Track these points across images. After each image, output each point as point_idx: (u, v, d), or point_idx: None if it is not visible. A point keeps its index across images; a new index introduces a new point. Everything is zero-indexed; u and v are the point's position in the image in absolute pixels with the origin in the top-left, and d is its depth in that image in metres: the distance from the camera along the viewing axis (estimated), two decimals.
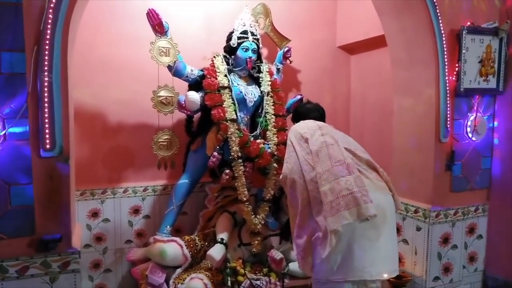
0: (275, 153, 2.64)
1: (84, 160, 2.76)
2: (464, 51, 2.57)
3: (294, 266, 2.49)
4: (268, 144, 2.67)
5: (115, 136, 2.88)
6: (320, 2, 3.45)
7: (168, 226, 2.68)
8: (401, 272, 2.46)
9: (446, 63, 2.53)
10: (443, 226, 2.64)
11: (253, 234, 2.64)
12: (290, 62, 3.13)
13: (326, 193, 1.87)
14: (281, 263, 2.47)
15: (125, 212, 2.91)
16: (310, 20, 3.42)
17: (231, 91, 2.62)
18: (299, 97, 2.99)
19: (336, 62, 3.57)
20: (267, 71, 2.83)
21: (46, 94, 1.80)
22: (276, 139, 2.68)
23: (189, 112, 2.67)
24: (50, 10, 1.78)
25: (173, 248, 2.47)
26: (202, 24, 3.04)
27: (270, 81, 2.80)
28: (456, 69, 2.59)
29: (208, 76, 2.60)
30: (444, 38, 2.51)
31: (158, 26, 2.40)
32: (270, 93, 2.77)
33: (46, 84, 1.80)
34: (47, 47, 1.78)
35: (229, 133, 2.53)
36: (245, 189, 2.59)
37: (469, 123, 2.68)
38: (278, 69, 3.02)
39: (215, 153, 2.57)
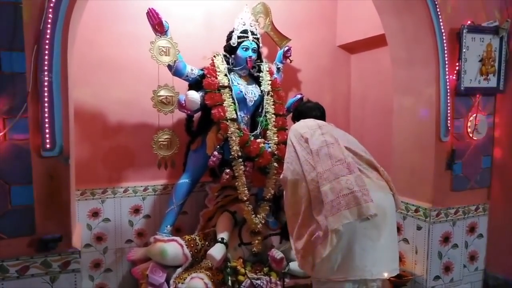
0: (276, 152, 2.64)
1: (85, 159, 2.76)
2: (464, 50, 2.57)
3: (294, 266, 2.49)
4: (269, 144, 2.67)
5: (115, 136, 2.88)
6: (320, 1, 3.45)
7: (169, 226, 2.68)
8: (401, 271, 2.47)
9: (446, 62, 2.53)
10: (443, 225, 2.64)
11: (254, 233, 2.64)
12: (290, 61, 3.13)
13: (326, 193, 1.87)
14: (282, 263, 2.47)
15: (125, 212, 2.91)
16: (310, 19, 3.42)
17: (231, 90, 2.62)
18: (299, 96, 3.00)
19: (336, 61, 3.57)
20: (267, 71, 2.82)
21: (46, 94, 1.79)
22: (276, 138, 2.68)
23: (189, 112, 2.67)
24: (50, 10, 1.78)
25: (173, 247, 2.47)
26: (202, 24, 3.04)
27: (270, 80, 2.80)
28: (457, 68, 2.59)
29: (208, 75, 2.60)
30: (444, 37, 2.51)
31: (158, 26, 2.40)
32: (270, 92, 2.77)
33: (46, 83, 1.79)
34: (47, 46, 1.78)
35: (229, 132, 2.53)
36: (246, 188, 2.59)
37: (469, 122, 2.67)
38: (278, 69, 3.01)
39: (215, 153, 2.57)
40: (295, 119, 2.48)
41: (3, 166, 1.78)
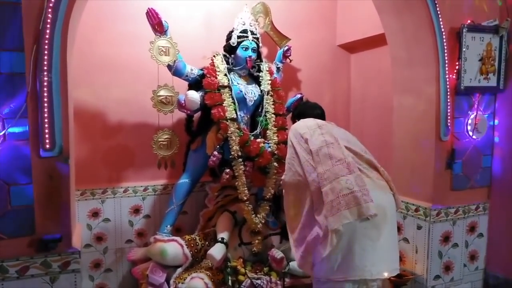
0: (275, 152, 2.64)
1: (84, 159, 2.76)
2: (464, 49, 2.57)
3: (294, 265, 2.48)
4: (268, 143, 2.67)
5: (115, 136, 2.88)
6: (320, 0, 3.45)
7: (169, 226, 2.68)
8: (401, 270, 2.46)
9: (446, 61, 2.53)
10: (443, 225, 2.64)
11: (254, 233, 2.64)
12: (290, 61, 3.12)
13: (327, 193, 1.87)
14: (282, 262, 2.47)
15: (125, 212, 2.91)
16: (310, 19, 3.42)
17: (231, 90, 2.62)
18: (299, 96, 2.99)
19: (336, 61, 3.57)
20: (267, 70, 2.82)
21: (45, 94, 1.79)
22: (276, 138, 2.68)
23: (189, 112, 2.67)
24: (49, 10, 1.78)
25: (173, 247, 2.47)
26: (201, 23, 3.04)
27: (270, 80, 2.80)
28: (457, 67, 2.58)
29: (208, 75, 2.60)
30: (444, 36, 2.51)
31: (158, 25, 2.40)
32: (270, 92, 2.77)
33: (45, 83, 1.79)
34: (46, 46, 1.78)
35: (229, 132, 2.53)
36: (246, 188, 2.59)
37: (469, 121, 2.67)
38: (278, 68, 3.01)
39: (215, 153, 2.57)
40: (295, 118, 2.47)
41: (3, 166, 1.77)
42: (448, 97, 2.56)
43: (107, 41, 2.81)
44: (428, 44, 2.52)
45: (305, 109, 2.46)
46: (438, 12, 2.47)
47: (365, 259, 1.88)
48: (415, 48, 2.61)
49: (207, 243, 2.62)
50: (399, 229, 2.73)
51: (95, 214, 2.82)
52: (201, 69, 2.65)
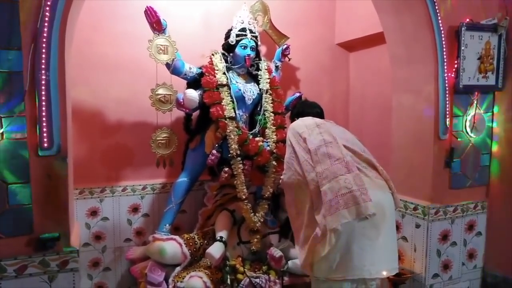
0: (274, 151, 2.64)
1: (83, 158, 2.75)
2: (463, 48, 2.57)
3: (293, 264, 2.49)
4: (267, 142, 2.66)
5: (114, 135, 2.88)
6: None
7: (167, 225, 2.68)
8: (400, 269, 2.46)
9: (445, 60, 2.53)
10: (442, 223, 2.64)
11: (252, 232, 2.63)
12: (289, 59, 3.12)
13: (325, 192, 1.87)
14: (281, 261, 2.47)
15: (124, 211, 2.91)
16: (308, 17, 3.41)
17: (229, 89, 2.61)
18: (298, 94, 2.99)
19: (335, 60, 3.57)
20: (265, 69, 2.82)
21: (43, 93, 1.79)
22: (275, 137, 2.68)
23: (187, 110, 2.66)
24: (47, 8, 1.77)
25: (172, 246, 2.47)
26: (200, 22, 3.03)
27: (268, 78, 2.79)
28: (455, 66, 2.58)
29: (206, 74, 2.59)
30: (443, 35, 2.51)
31: (156, 24, 2.39)
32: (268, 90, 2.77)
33: (43, 82, 1.79)
34: (44, 45, 1.78)
35: (228, 131, 2.53)
36: (244, 187, 2.59)
37: (468, 120, 2.67)
38: (276, 67, 3.01)
39: (214, 151, 2.57)
40: (294, 117, 2.47)
41: (0, 165, 1.77)
42: (447, 95, 2.56)
43: (105, 40, 2.80)
44: (427, 42, 2.52)
45: (304, 108, 2.46)
46: (437, 11, 2.47)
47: (363, 259, 1.88)
48: (414, 46, 2.61)
49: (206, 241, 2.61)
50: (397, 227, 2.73)
51: (93, 213, 2.82)
52: (200, 68, 2.65)
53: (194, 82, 2.64)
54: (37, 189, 1.84)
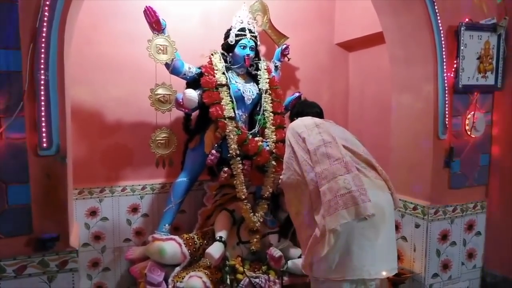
0: (274, 150, 2.64)
1: (82, 158, 2.75)
2: (462, 48, 2.57)
3: (293, 264, 2.49)
4: (267, 142, 2.66)
5: (113, 135, 2.87)
6: None
7: (167, 225, 2.67)
8: (400, 269, 2.46)
9: (444, 60, 2.53)
10: (441, 223, 2.64)
11: (252, 232, 2.63)
12: (288, 59, 3.12)
13: (325, 192, 1.87)
14: (280, 261, 2.47)
15: (123, 211, 2.90)
16: (308, 17, 3.41)
17: (229, 88, 2.61)
18: (297, 94, 2.99)
19: (334, 59, 3.57)
20: (265, 69, 2.81)
21: (42, 92, 1.79)
22: (274, 136, 2.68)
23: (187, 110, 2.66)
24: (46, 8, 1.77)
25: (171, 246, 2.46)
26: (199, 22, 3.03)
27: (268, 78, 2.79)
28: (455, 65, 2.59)
29: (206, 73, 2.59)
30: (442, 35, 2.51)
31: (156, 24, 2.39)
32: (268, 90, 2.76)
33: (42, 82, 1.79)
34: (43, 45, 1.77)
35: (227, 131, 2.52)
36: (244, 187, 2.59)
37: (467, 120, 2.67)
38: (276, 67, 3.01)
39: (213, 151, 2.57)
40: (293, 117, 2.47)
41: (0, 165, 1.77)
42: (446, 95, 2.56)
43: (105, 40, 2.79)
44: (426, 42, 2.52)
45: (303, 108, 2.46)
46: (436, 11, 2.47)
47: (363, 259, 1.88)
48: (413, 46, 2.61)
49: (205, 241, 2.61)
50: (397, 227, 2.73)
51: (93, 213, 2.81)
52: (199, 68, 2.64)
53: (193, 82, 2.64)
54: (37, 189, 1.84)
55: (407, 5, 2.53)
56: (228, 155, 2.55)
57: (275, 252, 2.48)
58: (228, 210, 2.74)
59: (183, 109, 2.64)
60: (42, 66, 1.78)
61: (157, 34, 2.41)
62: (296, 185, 2.04)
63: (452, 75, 2.59)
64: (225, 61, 2.70)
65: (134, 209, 2.93)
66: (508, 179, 2.71)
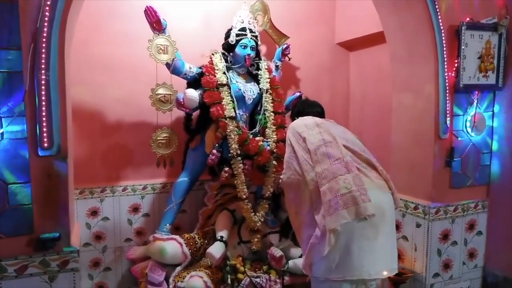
0: (274, 150, 2.64)
1: (83, 158, 2.75)
2: (463, 47, 2.56)
3: (293, 264, 2.49)
4: (267, 142, 2.66)
5: (114, 135, 2.88)
6: None
7: (168, 224, 2.68)
8: (401, 268, 2.46)
9: (445, 59, 2.52)
10: (442, 223, 2.64)
11: (253, 231, 2.63)
12: (289, 59, 3.12)
13: (325, 192, 1.87)
14: (281, 261, 2.47)
15: (124, 211, 2.91)
16: (308, 17, 3.41)
17: (229, 88, 2.61)
18: (298, 94, 2.99)
19: (335, 59, 3.57)
20: (265, 68, 2.81)
21: (43, 93, 1.79)
22: (275, 136, 2.68)
23: (187, 110, 2.66)
24: (47, 8, 1.77)
25: (172, 246, 2.47)
26: (200, 22, 3.03)
27: (268, 78, 2.79)
28: (456, 65, 2.58)
29: (206, 73, 2.59)
30: (443, 34, 2.50)
31: (156, 24, 2.39)
32: (269, 90, 2.76)
33: (43, 82, 1.79)
34: (44, 45, 1.77)
35: (228, 130, 2.52)
36: (245, 186, 2.59)
37: (468, 119, 2.67)
38: (277, 66, 3.00)
39: (214, 151, 2.57)
40: (294, 116, 2.47)
41: (1, 165, 1.77)
42: (447, 95, 2.56)
43: (105, 40, 2.80)
44: (427, 42, 2.52)
45: (304, 107, 2.45)
46: (437, 10, 2.47)
47: (363, 259, 1.88)
48: (414, 46, 2.61)
49: (206, 241, 2.61)
50: (398, 227, 2.73)
51: (94, 213, 2.82)
52: (200, 67, 2.64)
53: (194, 82, 2.64)
54: (37, 189, 1.84)
55: (408, 5, 2.53)
56: (229, 155, 2.55)
57: (276, 252, 2.48)
58: (229, 209, 2.74)
59: (184, 109, 2.65)
60: (43, 66, 1.78)
61: (158, 34, 2.41)
62: (296, 184, 2.04)
63: (453, 74, 2.58)
64: (226, 61, 2.70)
65: (135, 209, 2.94)
66: (509, 179, 2.70)
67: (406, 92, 2.74)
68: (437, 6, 2.46)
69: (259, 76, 2.78)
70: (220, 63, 2.65)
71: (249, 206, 2.61)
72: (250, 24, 2.73)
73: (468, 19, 2.58)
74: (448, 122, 2.57)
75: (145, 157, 2.86)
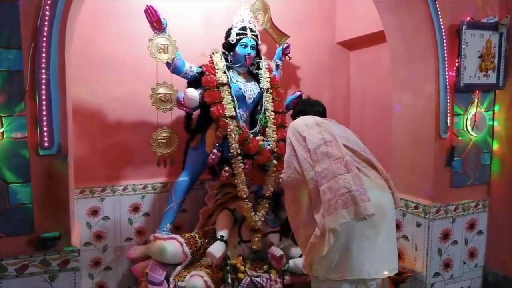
0: (275, 150, 2.63)
1: (83, 158, 2.75)
2: (464, 46, 2.56)
3: (294, 263, 2.49)
4: (268, 141, 2.66)
5: (114, 134, 2.88)
6: None
7: (168, 224, 2.68)
8: (401, 268, 2.46)
9: (446, 59, 2.52)
10: (443, 222, 2.64)
11: (253, 231, 2.63)
12: (289, 58, 3.12)
13: (324, 192, 1.87)
14: (281, 260, 2.47)
15: (124, 210, 2.91)
16: (309, 16, 3.41)
17: (230, 88, 2.61)
18: (298, 93, 2.98)
19: (335, 58, 3.56)
20: (266, 68, 2.81)
21: (43, 92, 1.79)
22: (275, 136, 2.68)
23: (188, 109, 2.66)
24: (47, 7, 1.77)
25: (173, 245, 2.47)
26: (200, 21, 3.03)
27: (269, 77, 2.79)
28: (456, 64, 2.58)
29: (207, 73, 2.59)
30: (443, 33, 2.50)
31: (156, 23, 2.39)
32: (269, 89, 2.76)
33: (43, 81, 1.79)
34: (44, 44, 1.77)
35: (229, 130, 2.52)
36: (245, 186, 2.59)
37: (469, 119, 2.67)
38: (277, 66, 3.00)
39: (215, 150, 2.57)
40: (296, 116, 2.46)
41: (1, 165, 1.77)
42: (448, 94, 2.55)
43: (106, 39, 2.80)
44: (428, 41, 2.51)
45: (306, 107, 2.45)
46: (438, 9, 2.47)
47: (362, 259, 1.88)
48: (415, 45, 2.61)
49: (206, 241, 2.61)
50: (398, 226, 2.73)
51: (94, 212, 2.82)
52: (200, 67, 2.64)
53: (194, 81, 2.64)
54: (38, 189, 1.84)
55: (408, 4, 2.53)
56: (229, 154, 2.55)
57: (276, 251, 2.48)
58: (229, 209, 2.74)
59: (184, 108, 2.65)
60: (43, 66, 1.78)
61: (158, 33, 2.41)
62: (296, 184, 2.04)
63: (453, 73, 2.58)
64: (226, 60, 2.70)
65: (136, 208, 2.94)
66: (510, 178, 2.70)
67: (406, 91, 2.74)
68: (437, 5, 2.46)
69: (260, 76, 2.78)
70: (220, 63, 2.65)
71: (249, 205, 2.61)
72: (250, 23, 2.73)
73: (468, 18, 2.58)
74: (448, 121, 2.57)
75: (146, 157, 2.86)
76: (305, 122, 2.16)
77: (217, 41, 2.81)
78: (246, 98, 2.68)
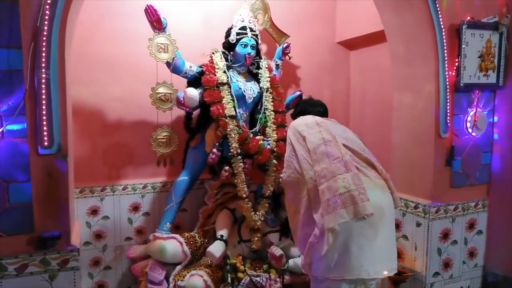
0: (275, 149, 2.64)
1: (83, 157, 2.75)
2: (464, 46, 2.56)
3: (294, 263, 2.49)
4: (268, 141, 2.66)
5: (114, 133, 2.88)
6: None
7: (168, 223, 2.68)
8: (401, 268, 2.46)
9: (446, 58, 2.52)
10: (443, 222, 2.64)
11: (253, 230, 2.63)
12: (289, 58, 3.12)
13: (323, 191, 1.87)
14: (281, 260, 2.47)
15: (124, 209, 2.91)
16: (309, 15, 3.41)
17: (230, 87, 2.61)
18: (298, 93, 2.98)
19: (336, 58, 3.56)
20: (266, 67, 2.81)
21: (43, 91, 1.79)
22: (275, 135, 2.68)
23: (188, 109, 2.66)
24: (47, 6, 1.77)
25: (172, 245, 2.47)
26: (200, 20, 3.03)
27: (269, 77, 2.79)
28: (456, 64, 2.58)
29: (207, 72, 2.59)
30: (444, 33, 2.50)
31: (156, 22, 2.39)
32: (269, 89, 2.76)
33: (43, 81, 1.79)
34: (44, 43, 1.77)
35: (228, 129, 2.52)
36: (245, 185, 2.59)
37: (469, 118, 2.67)
38: (277, 65, 3.00)
39: (215, 150, 2.57)
40: (296, 115, 2.46)
41: (1, 164, 1.77)
42: (448, 94, 2.55)
43: (106, 39, 2.80)
44: (428, 40, 2.51)
45: (306, 107, 2.45)
46: (438, 9, 2.47)
47: (362, 259, 1.87)
48: (415, 45, 2.61)
49: (206, 240, 2.61)
50: (398, 226, 2.73)
51: (94, 211, 2.82)
52: (200, 66, 2.64)
53: (194, 81, 2.64)
54: (38, 188, 1.84)
55: (408, 3, 2.53)
56: (229, 154, 2.55)
57: (276, 251, 2.48)
58: (229, 208, 2.74)
59: (184, 108, 2.65)
60: (43, 65, 1.78)
61: (158, 33, 2.41)
62: (296, 183, 2.04)
63: (453, 73, 2.58)
64: (226, 60, 2.70)
65: (135, 208, 2.94)
66: (510, 178, 2.70)
67: (406, 91, 2.74)
68: (437, 5, 2.46)
69: (260, 75, 2.78)
70: (220, 62, 2.65)
71: (249, 205, 2.61)
72: (250, 23, 2.73)
73: (468, 18, 2.57)
74: (448, 121, 2.57)
75: (146, 156, 2.86)
76: (305, 122, 2.16)
77: (217, 41, 2.80)
78: (246, 97, 2.68)
